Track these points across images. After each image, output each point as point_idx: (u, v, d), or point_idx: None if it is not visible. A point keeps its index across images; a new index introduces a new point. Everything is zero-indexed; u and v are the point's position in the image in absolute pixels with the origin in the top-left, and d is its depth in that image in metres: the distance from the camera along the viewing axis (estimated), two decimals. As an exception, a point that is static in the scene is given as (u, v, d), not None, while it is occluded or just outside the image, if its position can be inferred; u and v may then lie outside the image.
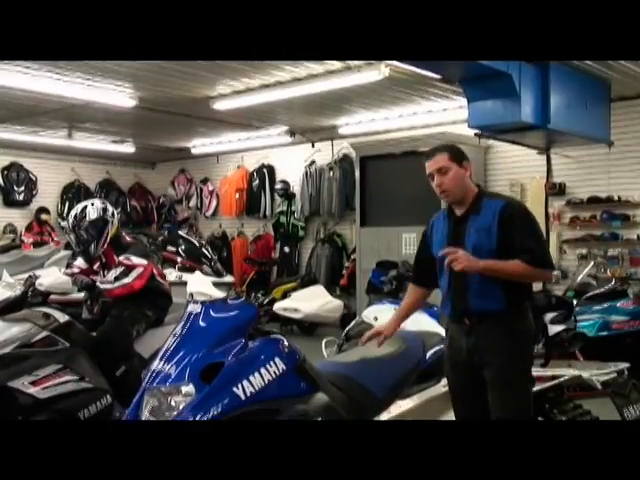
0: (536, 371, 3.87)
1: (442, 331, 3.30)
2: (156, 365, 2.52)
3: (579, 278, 6.66)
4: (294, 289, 8.80)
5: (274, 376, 2.52)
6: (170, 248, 8.34)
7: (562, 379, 3.76)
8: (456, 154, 2.92)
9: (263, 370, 2.51)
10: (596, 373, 3.72)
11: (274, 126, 9.96)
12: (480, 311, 2.84)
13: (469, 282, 2.83)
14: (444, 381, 3.19)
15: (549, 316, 4.02)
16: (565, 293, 6.31)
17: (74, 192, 12.41)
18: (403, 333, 3.44)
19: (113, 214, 4.47)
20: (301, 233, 11.09)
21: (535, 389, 3.80)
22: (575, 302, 5.19)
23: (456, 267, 2.72)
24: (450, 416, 3.11)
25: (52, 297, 4.78)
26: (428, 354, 3.41)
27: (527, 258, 2.74)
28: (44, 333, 3.93)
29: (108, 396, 3.93)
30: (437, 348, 3.41)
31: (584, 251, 8.12)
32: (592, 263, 6.93)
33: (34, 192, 12.05)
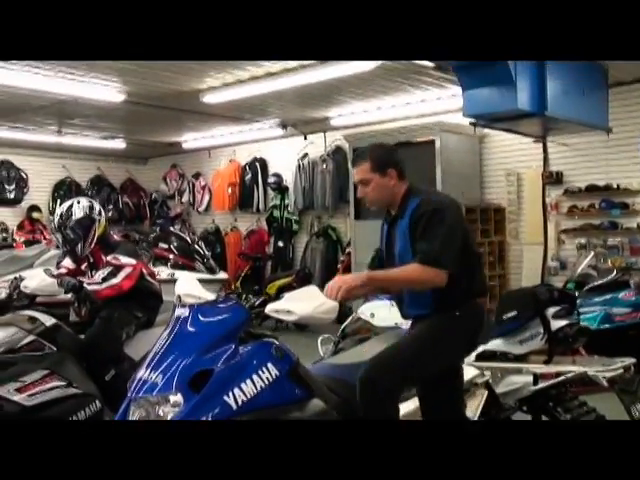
0: (539, 368, 3.78)
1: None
2: (142, 373, 2.38)
3: (579, 269, 6.54)
4: (289, 284, 8.66)
5: (267, 383, 2.40)
6: (162, 245, 8.19)
7: (567, 376, 3.65)
8: (379, 162, 2.80)
9: (255, 377, 2.38)
10: (602, 369, 3.61)
11: (265, 119, 9.82)
12: (415, 317, 2.88)
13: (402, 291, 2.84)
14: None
15: (551, 310, 3.90)
16: (565, 285, 6.19)
17: (65, 189, 12.29)
18: (398, 331, 3.34)
19: (100, 212, 4.33)
20: (295, 227, 10.95)
21: (539, 386, 3.71)
22: (576, 294, 5.07)
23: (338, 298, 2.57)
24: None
25: (39, 299, 4.64)
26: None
27: (417, 258, 2.58)
28: (30, 337, 3.81)
29: (97, 402, 3.81)
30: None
31: (583, 241, 7.99)
32: (592, 253, 6.81)
33: (25, 190, 11.92)
